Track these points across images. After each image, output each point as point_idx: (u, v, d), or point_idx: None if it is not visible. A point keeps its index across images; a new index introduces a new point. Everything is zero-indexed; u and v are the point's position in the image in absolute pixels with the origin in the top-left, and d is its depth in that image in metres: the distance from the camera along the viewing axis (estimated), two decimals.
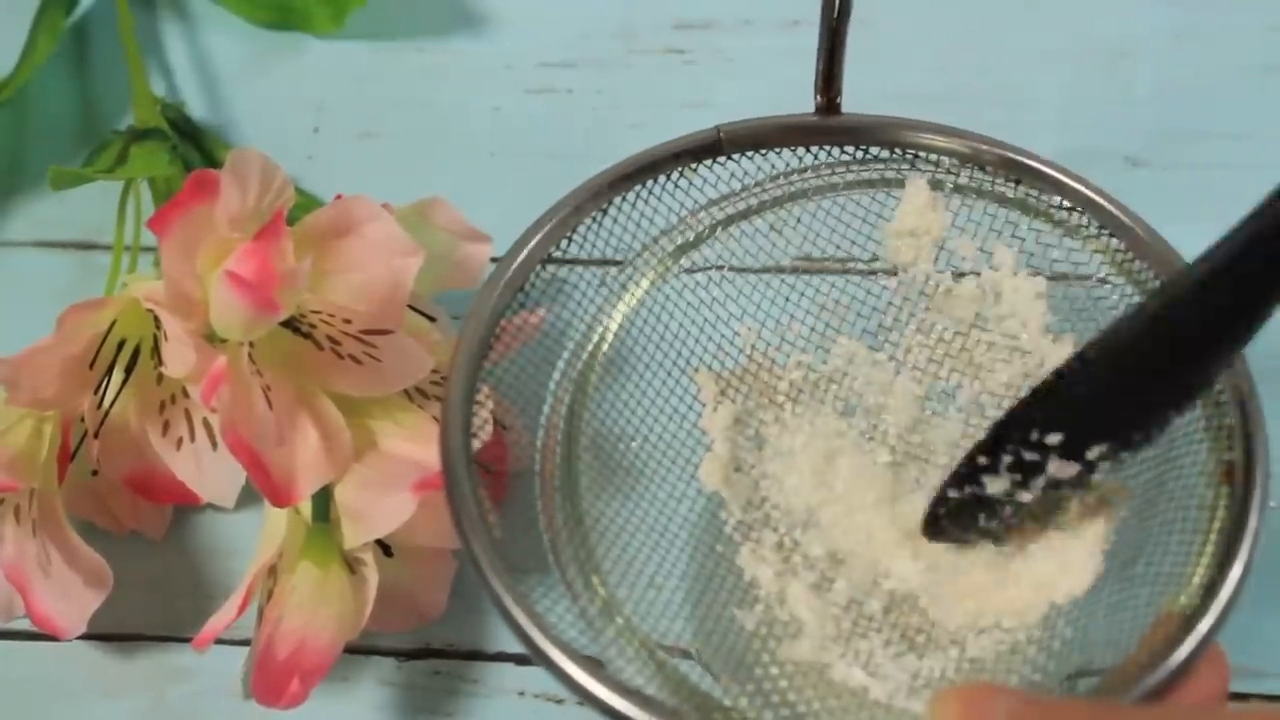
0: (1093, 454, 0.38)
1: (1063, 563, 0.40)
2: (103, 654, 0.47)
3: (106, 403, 0.45)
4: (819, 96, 0.44)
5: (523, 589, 0.37)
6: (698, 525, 0.43)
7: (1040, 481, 0.39)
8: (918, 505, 0.42)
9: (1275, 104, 0.55)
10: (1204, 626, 0.36)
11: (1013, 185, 0.44)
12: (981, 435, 0.40)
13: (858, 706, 0.39)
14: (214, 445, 0.44)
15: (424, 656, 0.46)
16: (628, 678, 0.38)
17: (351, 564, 0.43)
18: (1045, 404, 0.39)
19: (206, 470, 0.45)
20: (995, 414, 0.43)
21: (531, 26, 0.59)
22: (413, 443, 0.44)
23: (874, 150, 0.45)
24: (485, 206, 0.48)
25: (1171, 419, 0.38)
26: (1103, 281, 0.43)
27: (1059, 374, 0.39)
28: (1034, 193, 0.44)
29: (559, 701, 0.45)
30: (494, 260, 0.45)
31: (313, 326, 0.43)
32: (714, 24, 0.58)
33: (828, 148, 0.45)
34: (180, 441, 0.44)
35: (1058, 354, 0.43)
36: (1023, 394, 0.41)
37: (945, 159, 0.44)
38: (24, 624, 0.45)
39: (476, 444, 0.40)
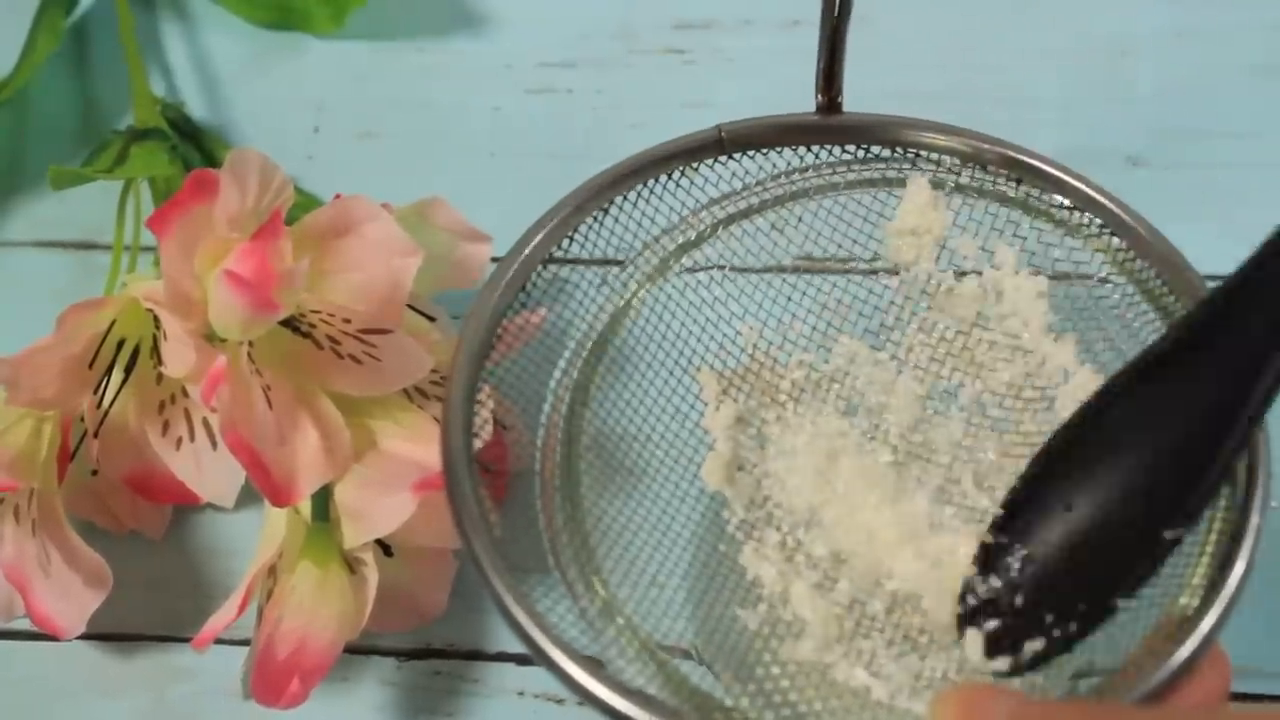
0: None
1: None
2: (103, 654, 0.47)
3: (106, 402, 0.45)
4: (820, 95, 0.44)
5: (524, 589, 0.37)
6: (700, 524, 0.43)
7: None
8: (920, 504, 0.42)
9: (1277, 103, 0.54)
10: (1205, 626, 0.36)
11: (1014, 184, 0.44)
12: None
13: (860, 706, 0.39)
14: (214, 445, 0.44)
15: (424, 656, 0.46)
16: (628, 678, 0.38)
17: (351, 564, 0.43)
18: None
19: (206, 470, 0.44)
20: (997, 413, 0.43)
21: (531, 26, 0.59)
22: (413, 443, 0.44)
23: (875, 149, 0.44)
24: (485, 206, 0.48)
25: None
26: (1104, 281, 0.43)
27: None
28: (1035, 192, 0.44)
29: (559, 701, 0.45)
30: (495, 260, 0.45)
31: (312, 326, 0.43)
32: (714, 24, 0.58)
33: (829, 147, 0.45)
34: (180, 441, 0.44)
35: (1059, 353, 0.43)
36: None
37: (946, 158, 0.44)
38: (24, 624, 0.45)
39: (477, 444, 0.40)
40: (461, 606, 0.46)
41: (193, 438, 0.44)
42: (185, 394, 0.44)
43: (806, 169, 0.45)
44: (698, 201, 0.45)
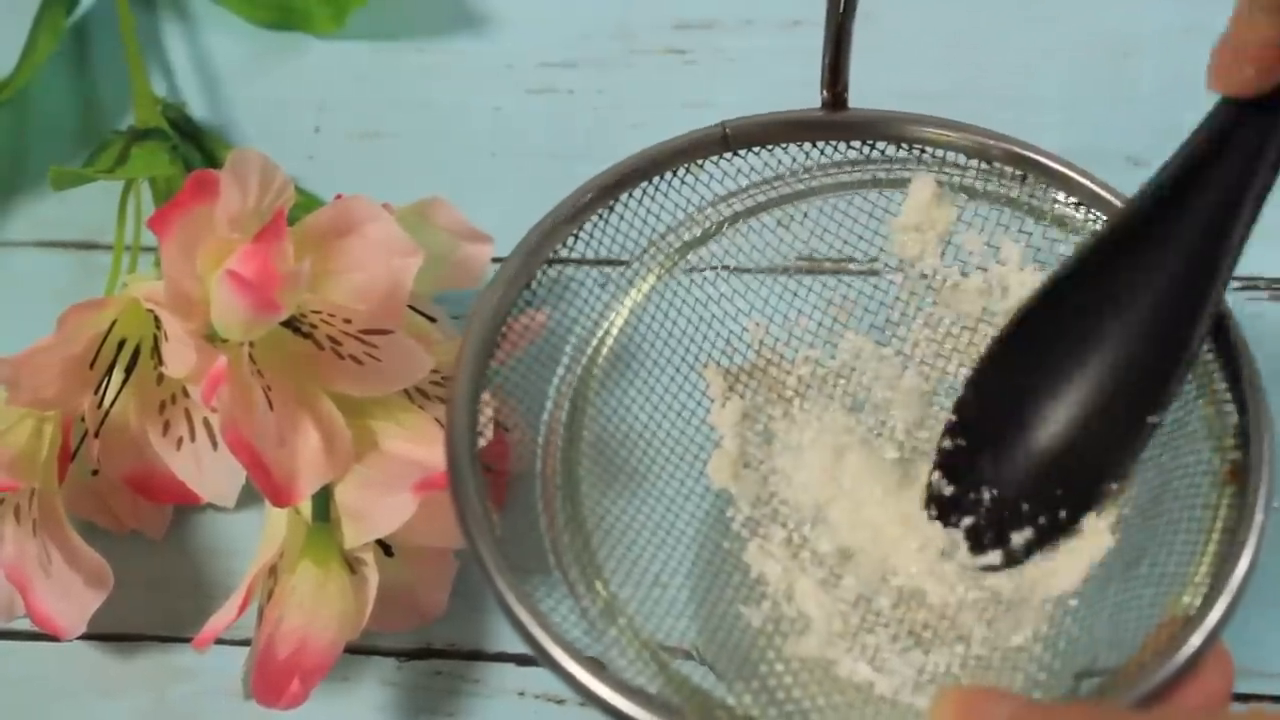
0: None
1: (1064, 559, 0.40)
2: (103, 654, 0.47)
3: (107, 403, 0.45)
4: (825, 91, 0.44)
5: (526, 589, 0.37)
6: (704, 523, 0.43)
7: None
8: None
9: None
10: (1208, 626, 0.36)
11: (1019, 180, 0.44)
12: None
13: (863, 702, 0.39)
14: (214, 445, 0.44)
15: (425, 656, 0.46)
16: (629, 678, 0.38)
17: (352, 564, 0.43)
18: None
19: (207, 470, 0.44)
20: None
21: (532, 26, 0.59)
22: (413, 443, 0.44)
23: (880, 145, 0.44)
24: (486, 206, 0.48)
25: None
26: None
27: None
28: (1040, 187, 0.44)
29: (560, 702, 0.45)
30: (496, 260, 0.45)
31: (313, 326, 0.43)
32: (715, 24, 0.58)
33: (834, 143, 0.45)
34: (180, 441, 0.44)
35: None
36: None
37: (951, 154, 0.44)
38: (24, 624, 0.45)
39: (480, 444, 0.40)
40: (462, 606, 0.46)
41: (193, 438, 0.44)
42: (186, 394, 0.44)
43: (812, 166, 0.45)
44: (702, 199, 0.45)
